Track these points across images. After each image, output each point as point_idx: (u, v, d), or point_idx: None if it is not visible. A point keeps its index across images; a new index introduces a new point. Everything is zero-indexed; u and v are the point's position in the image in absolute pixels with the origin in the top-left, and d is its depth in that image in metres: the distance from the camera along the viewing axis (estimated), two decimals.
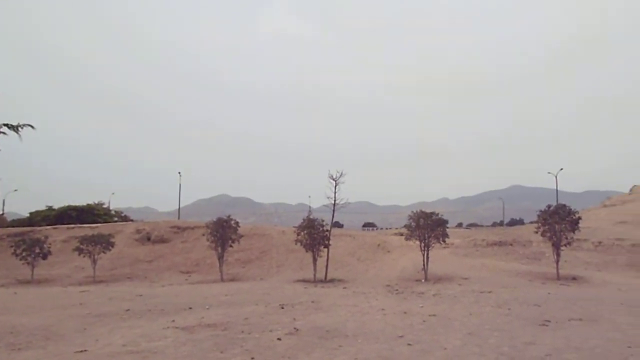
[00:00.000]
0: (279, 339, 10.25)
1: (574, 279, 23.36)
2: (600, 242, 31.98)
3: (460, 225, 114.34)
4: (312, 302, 16.63)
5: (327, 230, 26.68)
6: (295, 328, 11.44)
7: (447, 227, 26.88)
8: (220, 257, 27.74)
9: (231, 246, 28.44)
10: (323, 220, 27.10)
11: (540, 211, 25.57)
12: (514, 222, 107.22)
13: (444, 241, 25.80)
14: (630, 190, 63.05)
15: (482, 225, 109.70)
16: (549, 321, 12.22)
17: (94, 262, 29.45)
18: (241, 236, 28.99)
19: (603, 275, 24.59)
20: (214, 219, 28.77)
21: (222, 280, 26.66)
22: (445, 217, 26.64)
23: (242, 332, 11.08)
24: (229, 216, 29.19)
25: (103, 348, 9.77)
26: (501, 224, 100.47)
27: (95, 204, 64.90)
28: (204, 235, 30.06)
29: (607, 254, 29.92)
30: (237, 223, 28.95)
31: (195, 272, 30.66)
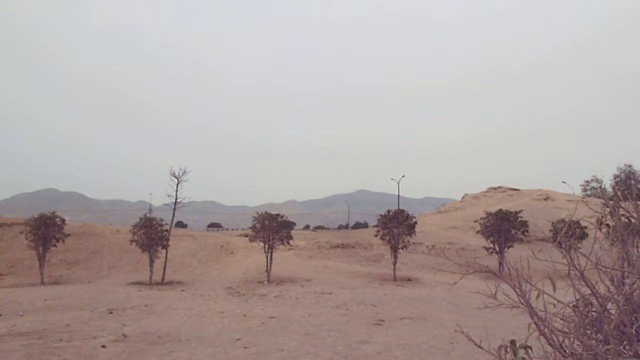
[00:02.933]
0: (103, 346, 9.63)
1: (409, 280, 25.29)
2: (433, 246, 35.05)
3: (307, 227, 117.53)
4: (146, 305, 15.93)
5: (166, 230, 25.78)
6: (123, 334, 10.84)
7: (294, 230, 27.51)
8: (41, 258, 25.39)
9: (55, 246, 26.19)
10: (162, 220, 26.15)
11: (380, 215, 27.32)
12: (359, 226, 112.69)
13: (288, 243, 26.35)
14: (462, 198, 70.12)
15: (328, 228, 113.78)
16: (383, 320, 13.07)
17: None
18: (67, 235, 26.83)
19: (435, 277, 26.93)
20: (36, 215, 26.27)
21: (43, 283, 24.43)
22: (292, 220, 27.24)
23: (61, 340, 10.22)
24: (53, 212, 26.83)
25: None
26: (347, 227, 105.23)
27: None
28: (22, 233, 27.26)
29: (440, 256, 32.83)
30: (62, 220, 26.75)
31: (11, 274, 27.68)
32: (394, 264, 26.09)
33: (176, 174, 25.15)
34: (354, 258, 32.28)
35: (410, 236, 26.83)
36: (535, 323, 2.28)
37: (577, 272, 2.29)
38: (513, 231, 28.09)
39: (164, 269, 24.99)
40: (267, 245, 25.27)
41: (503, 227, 27.98)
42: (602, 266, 2.29)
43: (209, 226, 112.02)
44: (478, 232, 30.65)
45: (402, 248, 26.46)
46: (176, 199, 25.23)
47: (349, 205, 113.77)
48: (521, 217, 29.11)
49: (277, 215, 26.16)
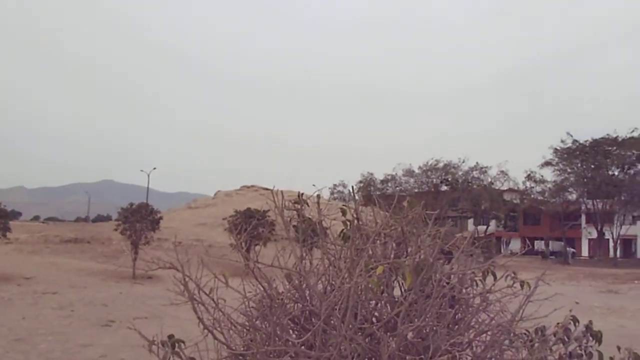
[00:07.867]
0: None
1: (149, 277, 24.80)
2: (180, 242, 35.03)
3: (37, 218, 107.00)
4: None
5: None
6: None
7: (19, 221, 24.92)
8: None
9: None
10: None
11: (122, 208, 26.54)
12: (101, 219, 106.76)
13: (5, 236, 23.82)
14: (214, 194, 71.32)
15: (63, 220, 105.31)
16: (113, 321, 12.61)
17: None
18: None
19: (177, 273, 26.95)
20: None
21: None
22: (18, 209, 24.72)
23: None
24: None
25: None
26: (86, 219, 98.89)
27: None
28: None
29: (186, 253, 32.96)
30: None
31: None
32: (134, 260, 25.34)
33: None
34: (89, 254, 30.52)
35: (154, 232, 26.50)
36: (198, 318, 2.47)
37: (251, 269, 2.55)
38: (260, 229, 29.64)
39: None
40: None
41: (250, 225, 29.34)
42: (264, 263, 2.59)
43: None
44: (226, 229, 31.61)
45: (144, 244, 25.92)
46: None
47: (89, 195, 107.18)
48: (269, 216, 30.80)
49: None
